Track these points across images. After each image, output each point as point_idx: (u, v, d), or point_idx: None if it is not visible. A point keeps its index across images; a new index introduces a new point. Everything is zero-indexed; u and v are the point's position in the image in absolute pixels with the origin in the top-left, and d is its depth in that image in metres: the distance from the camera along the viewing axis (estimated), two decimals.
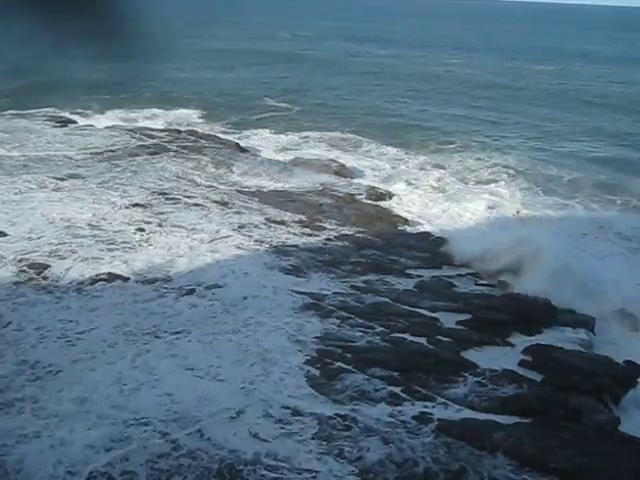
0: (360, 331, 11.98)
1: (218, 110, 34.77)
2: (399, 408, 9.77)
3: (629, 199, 21.96)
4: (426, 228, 18.29)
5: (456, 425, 9.35)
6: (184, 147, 25.13)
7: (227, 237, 16.21)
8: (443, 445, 8.96)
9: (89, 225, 16.36)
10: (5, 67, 37.03)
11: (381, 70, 52.49)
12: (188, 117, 33.08)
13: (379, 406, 9.79)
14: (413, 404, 9.91)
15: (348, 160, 25.17)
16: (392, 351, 11.27)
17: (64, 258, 14.33)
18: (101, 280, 13.43)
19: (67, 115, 31.20)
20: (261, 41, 68.40)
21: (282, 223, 17.56)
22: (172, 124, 30.74)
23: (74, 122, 29.62)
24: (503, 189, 22.45)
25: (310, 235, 16.86)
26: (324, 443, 8.89)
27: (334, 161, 24.18)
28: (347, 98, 40.17)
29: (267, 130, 30.63)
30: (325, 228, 17.43)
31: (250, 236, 16.38)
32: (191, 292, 13.21)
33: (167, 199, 18.88)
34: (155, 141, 25.78)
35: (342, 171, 23.26)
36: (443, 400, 10.07)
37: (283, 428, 9.15)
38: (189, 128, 29.34)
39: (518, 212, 19.61)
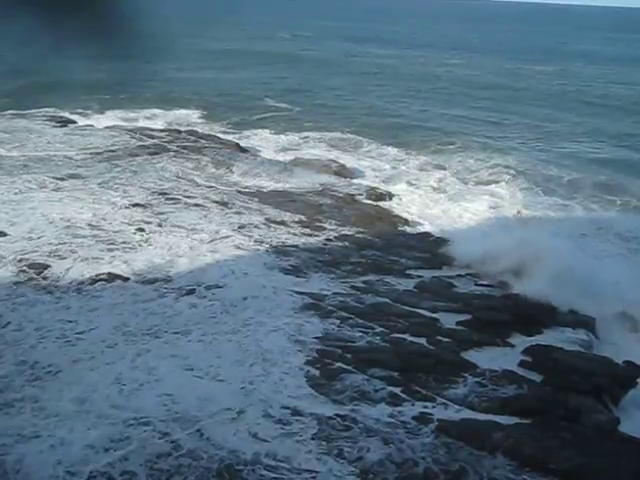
0: (360, 331, 11.98)
1: (218, 110, 34.77)
2: (399, 408, 9.77)
3: (629, 200, 21.99)
4: (426, 228, 18.28)
5: (456, 425, 9.34)
6: (184, 147, 25.12)
7: (227, 237, 16.20)
8: (443, 445, 8.95)
9: (89, 225, 16.35)
10: (5, 67, 37.03)
11: (381, 70, 52.49)
12: (188, 117, 33.08)
13: (379, 406, 9.78)
14: (413, 404, 9.91)
15: (348, 160, 25.17)
16: (392, 351, 11.26)
17: (64, 258, 14.32)
18: (101, 280, 13.42)
19: (67, 115, 31.18)
20: (261, 41, 68.40)
21: (282, 223, 17.55)
22: (172, 124, 30.73)
23: (74, 122, 29.60)
24: (503, 190, 22.48)
25: (310, 235, 16.86)
26: (324, 443, 8.88)
27: (334, 161, 24.17)
28: (347, 98, 40.17)
29: (267, 130, 30.63)
30: (325, 228, 17.43)
31: (250, 236, 16.38)
32: (191, 292, 13.20)
33: (167, 199, 18.88)
34: (155, 141, 25.77)
35: (342, 171, 23.25)
36: (443, 400, 10.07)
37: (283, 428, 9.14)
38: (189, 128, 29.31)
39: (519, 212, 19.60)
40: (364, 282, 14.21)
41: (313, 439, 8.96)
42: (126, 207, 17.91)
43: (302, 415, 9.45)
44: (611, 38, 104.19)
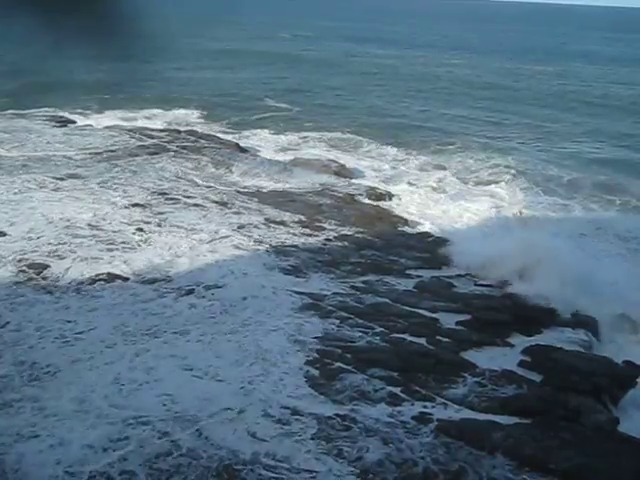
0: (360, 331, 11.97)
1: (218, 110, 34.76)
2: (398, 408, 9.76)
3: (628, 200, 22.01)
4: (426, 228, 18.27)
5: (455, 425, 9.34)
6: (184, 147, 25.11)
7: (226, 237, 16.19)
8: (442, 445, 8.95)
9: (89, 225, 16.34)
10: (5, 67, 37.08)
11: (381, 70, 52.51)
12: (188, 117, 33.08)
13: (378, 406, 9.78)
14: (412, 404, 9.90)
15: (348, 160, 25.17)
16: (392, 351, 11.26)
17: (63, 258, 14.32)
18: (100, 280, 13.40)
19: (67, 115, 31.17)
20: (261, 41, 68.41)
21: (282, 223, 17.55)
22: (172, 124, 30.71)
23: (74, 122, 29.59)
24: (503, 190, 22.48)
25: (310, 235, 16.85)
26: (323, 443, 8.88)
27: (334, 161, 24.16)
28: (347, 98, 40.18)
29: (267, 130, 30.63)
30: (325, 228, 17.42)
31: (250, 236, 16.37)
32: (190, 292, 13.19)
33: (167, 199, 18.87)
34: (155, 141, 25.76)
35: (342, 171, 23.24)
36: (442, 400, 10.06)
37: (282, 428, 9.14)
38: (189, 128, 29.30)
39: (520, 213, 19.56)
40: (364, 282, 14.20)
41: (312, 439, 8.95)
42: (125, 207, 17.90)
43: (301, 415, 9.44)
44: (611, 38, 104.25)
